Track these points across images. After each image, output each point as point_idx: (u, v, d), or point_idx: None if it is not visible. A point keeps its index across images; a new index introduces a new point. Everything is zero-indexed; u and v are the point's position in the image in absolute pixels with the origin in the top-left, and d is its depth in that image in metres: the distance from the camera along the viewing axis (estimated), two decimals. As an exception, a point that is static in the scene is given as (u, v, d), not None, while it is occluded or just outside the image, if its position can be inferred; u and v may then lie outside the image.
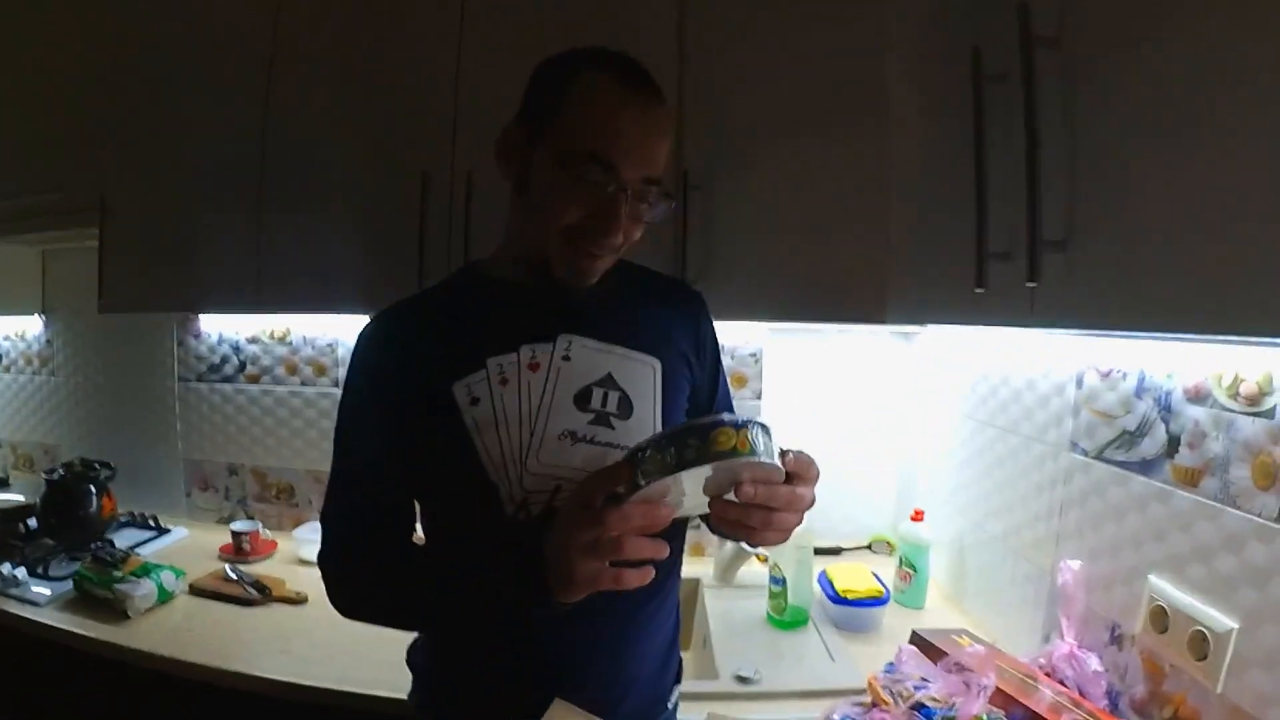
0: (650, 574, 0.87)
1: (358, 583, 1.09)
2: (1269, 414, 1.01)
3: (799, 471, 0.89)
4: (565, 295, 1.07)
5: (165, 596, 1.83)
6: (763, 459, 0.81)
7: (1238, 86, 0.75)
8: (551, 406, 1.04)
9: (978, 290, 1.13)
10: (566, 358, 1.06)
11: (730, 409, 1.31)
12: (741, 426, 0.80)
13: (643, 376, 1.10)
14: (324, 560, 1.11)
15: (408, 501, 1.12)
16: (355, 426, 1.10)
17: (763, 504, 0.86)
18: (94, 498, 2.17)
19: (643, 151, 0.98)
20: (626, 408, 1.07)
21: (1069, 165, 1.00)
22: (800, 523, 0.93)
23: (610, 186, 0.96)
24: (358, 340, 1.11)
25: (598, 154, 0.95)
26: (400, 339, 1.09)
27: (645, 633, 1.13)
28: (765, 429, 0.83)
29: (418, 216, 1.76)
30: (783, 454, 0.87)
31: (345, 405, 1.12)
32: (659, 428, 1.09)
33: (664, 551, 0.87)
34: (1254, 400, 1.03)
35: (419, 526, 1.15)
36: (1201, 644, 1.08)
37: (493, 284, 1.13)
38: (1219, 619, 1.06)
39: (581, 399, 1.05)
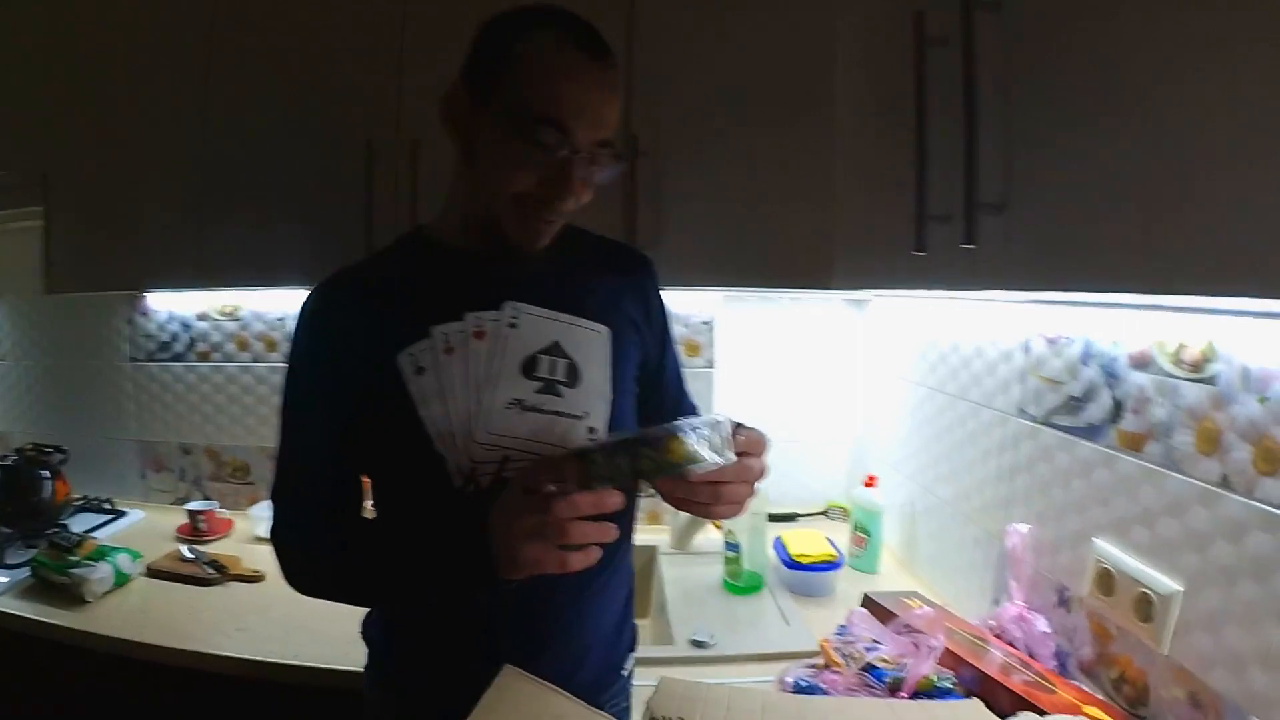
0: (596, 555, 0.87)
1: (308, 560, 1.08)
2: (1211, 380, 1.01)
3: (748, 449, 0.90)
4: (512, 262, 1.05)
5: (122, 579, 1.81)
6: (718, 462, 0.82)
7: (1175, 51, 0.73)
8: (499, 375, 1.02)
9: (917, 253, 1.12)
10: (513, 325, 1.04)
11: (679, 377, 1.32)
12: (695, 431, 0.81)
13: (591, 344, 1.08)
14: (275, 538, 1.09)
15: (355, 475, 1.10)
16: (299, 401, 1.08)
17: (711, 481, 0.87)
18: (47, 483, 2.13)
19: (596, 114, 0.95)
20: (574, 375, 1.05)
21: (1007, 129, 0.98)
22: (753, 494, 0.94)
23: (564, 151, 0.94)
24: (300, 312, 1.08)
25: (550, 119, 0.92)
26: (342, 309, 1.06)
27: (598, 604, 1.13)
28: (717, 425, 0.83)
29: (363, 187, 1.72)
30: (735, 429, 0.87)
31: (289, 379, 1.09)
32: (609, 395, 1.08)
33: (611, 535, 0.87)
34: (1197, 367, 1.03)
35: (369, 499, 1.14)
36: (1147, 606, 1.09)
37: (438, 250, 1.10)
38: (1163, 582, 1.07)
39: (529, 367, 1.03)
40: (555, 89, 0.93)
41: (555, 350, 1.05)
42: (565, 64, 0.93)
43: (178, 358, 2.42)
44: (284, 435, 1.09)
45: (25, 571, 1.83)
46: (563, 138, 0.93)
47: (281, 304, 2.32)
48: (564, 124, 0.93)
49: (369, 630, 1.20)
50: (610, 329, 1.10)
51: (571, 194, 0.97)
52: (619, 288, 1.16)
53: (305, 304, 1.08)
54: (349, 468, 1.09)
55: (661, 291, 1.24)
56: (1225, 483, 0.98)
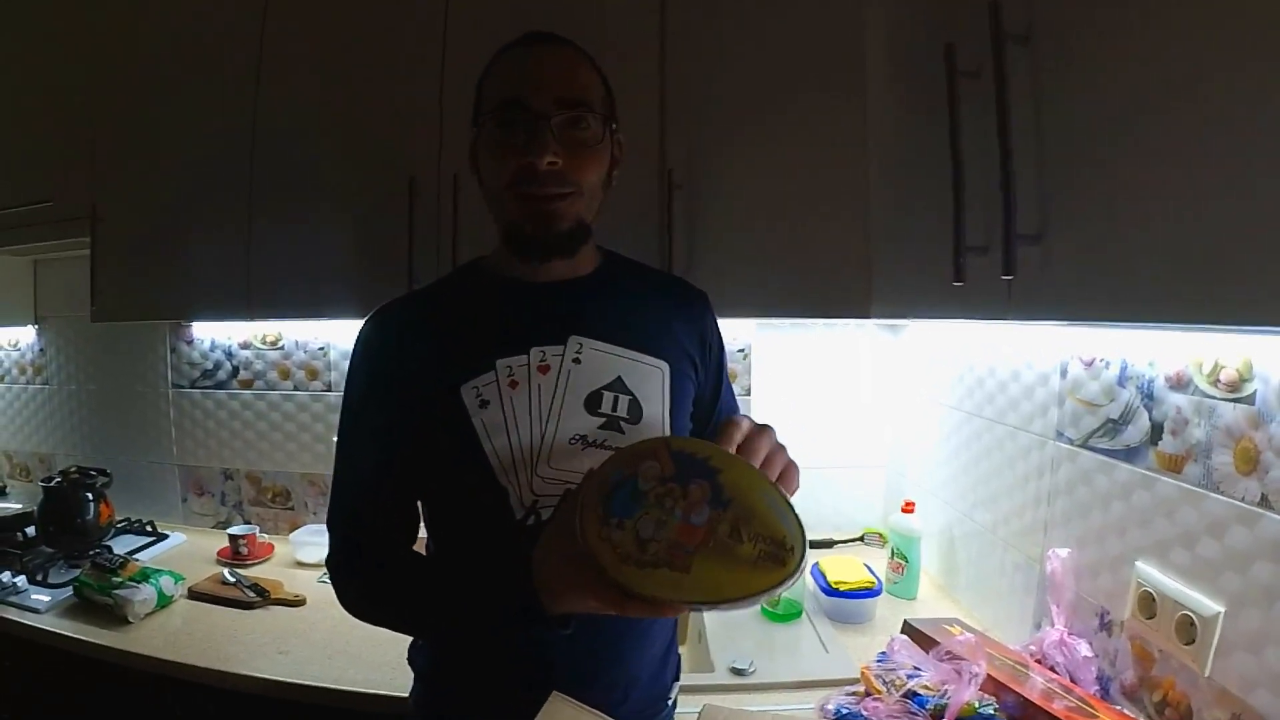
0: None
1: (363, 590, 1.07)
2: (1249, 400, 1.02)
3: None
4: (572, 294, 1.07)
5: (164, 601, 1.84)
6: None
7: (1206, 78, 0.75)
8: (562, 410, 1.02)
9: (956, 284, 1.13)
10: (577, 360, 1.04)
11: (734, 410, 1.29)
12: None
13: (651, 380, 1.08)
14: (331, 565, 1.09)
15: (412, 503, 1.10)
16: (355, 428, 1.09)
17: None
18: (91, 505, 2.17)
19: (547, 79, 0.98)
20: (636, 412, 1.05)
21: (1042, 159, 1.00)
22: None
23: (526, 118, 0.97)
24: (357, 340, 1.09)
25: (507, 99, 0.98)
26: (403, 338, 1.07)
27: (647, 635, 1.13)
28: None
29: (406, 220, 1.76)
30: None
31: (346, 407, 1.10)
32: (667, 432, 1.07)
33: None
34: (1234, 386, 1.04)
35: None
36: (1189, 628, 1.09)
37: (499, 282, 1.10)
38: (1205, 603, 1.07)
39: (592, 403, 1.03)
40: (506, 75, 1.01)
41: (618, 386, 1.05)
42: (515, 55, 1.02)
43: (220, 385, 2.47)
44: (339, 461, 1.09)
45: (68, 591, 1.86)
46: (525, 113, 0.97)
47: (323, 333, 2.35)
48: (519, 98, 0.97)
49: (416, 656, 1.19)
50: (669, 364, 1.10)
51: (544, 150, 0.96)
52: (677, 322, 1.16)
53: (363, 330, 1.09)
54: (405, 496, 1.09)
55: (718, 324, 1.24)
56: (1265, 502, 0.98)
